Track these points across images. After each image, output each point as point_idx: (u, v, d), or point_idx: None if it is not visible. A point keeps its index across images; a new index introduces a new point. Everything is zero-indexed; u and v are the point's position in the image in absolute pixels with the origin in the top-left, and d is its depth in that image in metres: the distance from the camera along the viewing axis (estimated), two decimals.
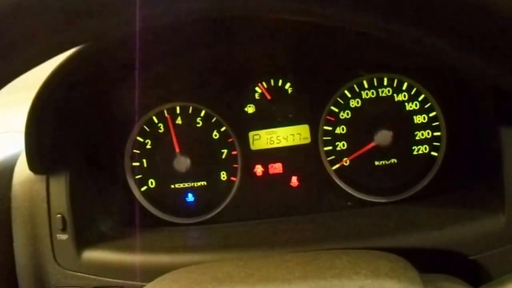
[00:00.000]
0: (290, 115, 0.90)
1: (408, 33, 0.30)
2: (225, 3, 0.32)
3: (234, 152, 0.91)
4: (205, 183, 0.92)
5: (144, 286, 0.57)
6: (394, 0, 0.29)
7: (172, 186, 0.93)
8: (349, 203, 0.89)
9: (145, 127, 0.93)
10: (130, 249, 0.81)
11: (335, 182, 0.89)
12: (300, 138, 0.90)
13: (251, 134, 0.91)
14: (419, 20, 0.29)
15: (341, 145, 0.89)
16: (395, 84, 0.87)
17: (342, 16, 0.30)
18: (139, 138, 0.93)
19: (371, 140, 0.86)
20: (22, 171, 0.85)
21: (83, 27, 0.33)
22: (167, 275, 0.57)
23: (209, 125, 0.92)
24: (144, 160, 0.94)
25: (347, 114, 0.88)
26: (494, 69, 0.31)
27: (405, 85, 0.86)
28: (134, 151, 0.94)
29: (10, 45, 0.32)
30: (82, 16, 0.32)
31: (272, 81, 0.90)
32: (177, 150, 0.92)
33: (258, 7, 0.32)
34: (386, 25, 0.30)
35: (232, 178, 0.92)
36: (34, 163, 0.80)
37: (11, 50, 0.33)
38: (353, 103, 0.88)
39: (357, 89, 0.88)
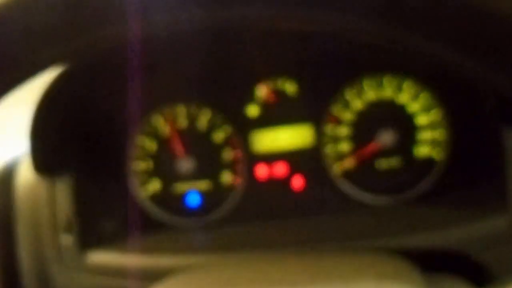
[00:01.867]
0: (293, 117, 0.90)
1: (423, 45, 0.30)
2: (225, 14, 0.32)
3: (237, 154, 0.91)
4: (208, 185, 0.93)
5: None
6: (403, 9, 0.29)
7: (176, 188, 0.93)
8: (352, 204, 0.89)
9: (148, 128, 0.93)
10: (134, 251, 0.81)
11: (338, 183, 0.89)
12: (303, 140, 0.90)
13: (254, 135, 0.91)
14: (431, 31, 0.29)
15: (344, 146, 0.89)
16: (397, 85, 0.87)
17: (355, 27, 0.30)
18: (142, 140, 0.94)
19: (374, 141, 0.87)
20: (26, 173, 0.85)
21: (82, 39, 0.33)
22: (171, 278, 0.57)
23: (212, 127, 0.92)
24: (148, 162, 0.94)
25: (350, 115, 0.88)
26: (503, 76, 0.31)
27: (408, 85, 0.86)
28: (137, 152, 0.94)
29: (9, 55, 0.33)
30: (80, 29, 0.32)
31: (274, 82, 0.90)
32: (180, 152, 0.92)
33: (265, 18, 0.32)
34: (400, 36, 0.30)
35: (236, 180, 0.92)
36: (38, 166, 0.80)
37: (10, 60, 0.33)
38: (356, 104, 0.88)
39: (359, 90, 0.88)
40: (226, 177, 0.93)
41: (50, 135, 0.79)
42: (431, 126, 0.86)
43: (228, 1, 0.31)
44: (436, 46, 0.31)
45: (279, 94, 0.90)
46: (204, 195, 0.93)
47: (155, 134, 0.94)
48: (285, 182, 0.91)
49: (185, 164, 0.92)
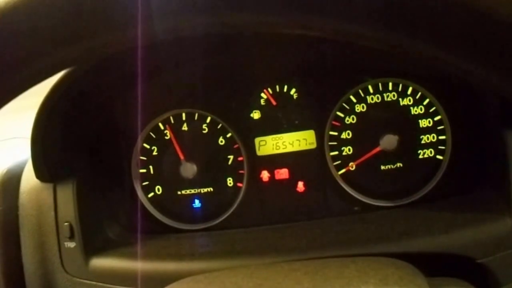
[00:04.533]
0: (296, 121, 0.90)
1: (420, 49, 0.30)
2: (231, 19, 0.32)
3: (240, 158, 0.92)
4: (211, 189, 0.93)
5: None
6: (404, 15, 0.29)
7: (179, 193, 0.93)
8: (355, 208, 0.89)
9: (151, 134, 0.94)
10: (137, 256, 0.81)
11: (341, 187, 0.89)
12: (306, 144, 0.90)
13: (257, 140, 0.91)
14: (429, 35, 0.29)
15: (347, 150, 0.89)
16: (400, 89, 0.87)
17: (356, 33, 0.30)
18: (145, 145, 0.94)
19: (377, 144, 0.86)
20: (29, 179, 0.85)
21: (85, 45, 0.33)
22: (174, 285, 0.57)
23: (215, 132, 0.92)
24: (151, 167, 0.94)
25: (353, 119, 0.88)
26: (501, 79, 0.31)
27: (410, 89, 0.86)
28: (141, 157, 0.94)
29: (14, 61, 0.33)
30: (85, 35, 0.32)
31: (277, 87, 0.90)
32: (181, 157, 0.92)
33: (267, 23, 0.32)
34: (399, 41, 0.30)
35: (239, 184, 0.92)
36: (41, 172, 0.81)
37: (14, 66, 0.33)
38: (359, 108, 0.88)
39: (362, 94, 0.88)
40: (229, 181, 0.93)
41: (52, 142, 0.79)
42: (434, 129, 0.86)
43: (231, 8, 0.31)
44: (441, 52, 0.31)
45: (282, 98, 0.91)
46: (207, 199, 0.93)
47: (158, 139, 0.94)
48: (287, 186, 0.91)
49: (189, 169, 0.92)
